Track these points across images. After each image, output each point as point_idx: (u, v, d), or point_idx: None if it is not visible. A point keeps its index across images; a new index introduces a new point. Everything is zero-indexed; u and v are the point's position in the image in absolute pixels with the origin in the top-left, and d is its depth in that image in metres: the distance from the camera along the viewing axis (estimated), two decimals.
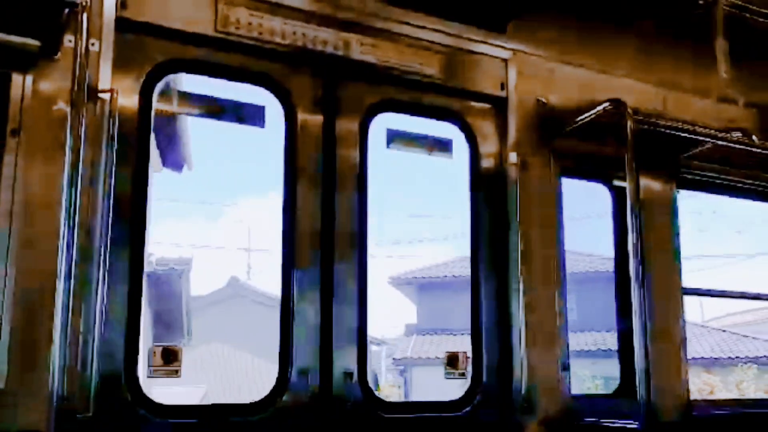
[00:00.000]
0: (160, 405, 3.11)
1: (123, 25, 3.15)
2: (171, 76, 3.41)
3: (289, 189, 3.53)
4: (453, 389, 3.91)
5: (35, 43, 2.85)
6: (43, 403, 2.68)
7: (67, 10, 2.85)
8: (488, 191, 4.00)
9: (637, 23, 4.47)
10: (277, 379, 3.38)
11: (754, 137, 4.48)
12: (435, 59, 3.88)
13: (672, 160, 4.51)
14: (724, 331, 24.85)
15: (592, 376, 16.53)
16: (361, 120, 3.72)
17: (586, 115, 3.97)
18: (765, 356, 20.10)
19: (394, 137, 3.94)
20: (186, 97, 3.57)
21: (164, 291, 14.52)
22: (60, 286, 2.71)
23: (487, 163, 4.04)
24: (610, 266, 4.56)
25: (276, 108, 3.59)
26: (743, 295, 5.98)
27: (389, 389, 24.26)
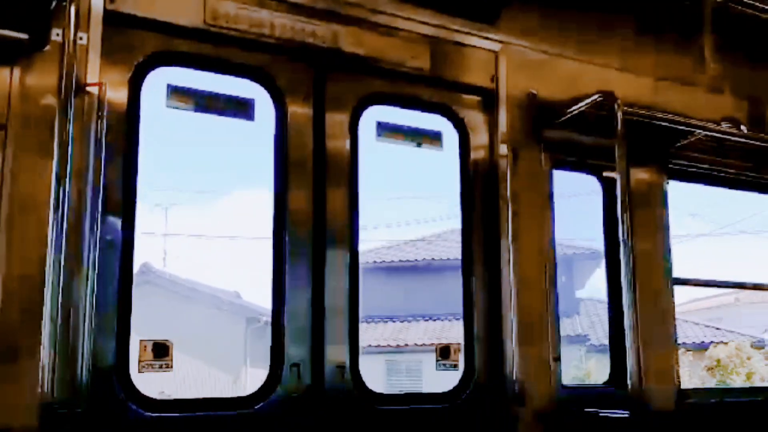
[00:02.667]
0: (152, 399, 3.10)
1: (111, 17, 3.12)
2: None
3: (280, 181, 3.52)
4: None
5: (23, 36, 2.83)
6: (32, 399, 2.66)
7: (55, 3, 2.83)
8: (479, 183, 4.00)
9: (628, 15, 4.47)
10: (270, 372, 3.38)
11: (743, 128, 4.51)
12: (425, 51, 3.86)
13: (662, 151, 4.53)
14: None
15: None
16: (351, 112, 3.72)
17: (577, 106, 3.98)
18: (702, 342, 20.27)
19: (383, 129, 3.92)
20: (174, 90, 3.54)
21: None
22: (49, 280, 2.68)
23: (477, 155, 4.04)
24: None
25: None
26: (730, 284, 6.03)
27: None
